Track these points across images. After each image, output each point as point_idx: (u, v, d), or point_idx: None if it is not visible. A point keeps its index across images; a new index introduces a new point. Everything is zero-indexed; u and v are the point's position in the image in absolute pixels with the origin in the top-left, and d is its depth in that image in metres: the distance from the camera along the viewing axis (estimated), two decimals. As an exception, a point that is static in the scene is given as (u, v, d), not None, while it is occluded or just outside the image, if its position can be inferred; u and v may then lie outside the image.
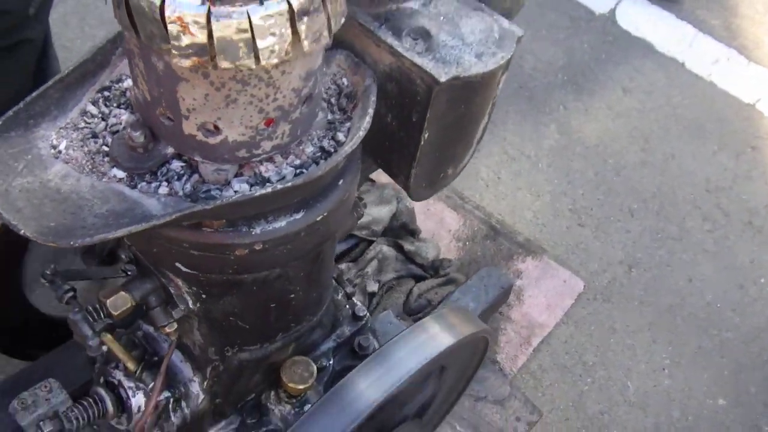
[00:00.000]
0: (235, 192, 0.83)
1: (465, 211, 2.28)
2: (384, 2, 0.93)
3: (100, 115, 0.88)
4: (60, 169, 0.82)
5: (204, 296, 0.99)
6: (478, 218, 2.26)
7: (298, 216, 0.88)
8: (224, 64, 0.69)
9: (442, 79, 0.87)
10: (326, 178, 0.87)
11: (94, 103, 0.89)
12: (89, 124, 0.87)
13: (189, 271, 0.91)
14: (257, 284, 0.97)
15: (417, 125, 0.94)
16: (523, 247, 2.21)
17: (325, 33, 0.73)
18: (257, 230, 0.86)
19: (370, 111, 0.88)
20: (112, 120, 0.87)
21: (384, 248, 1.88)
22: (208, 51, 0.68)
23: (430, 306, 1.78)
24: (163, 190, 0.82)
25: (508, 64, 0.97)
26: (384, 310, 1.77)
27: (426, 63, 0.88)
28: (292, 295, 1.05)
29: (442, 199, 2.31)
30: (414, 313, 1.79)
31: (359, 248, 1.87)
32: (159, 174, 0.84)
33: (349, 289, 1.38)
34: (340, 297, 1.37)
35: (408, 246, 1.94)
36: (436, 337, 1.19)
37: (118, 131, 0.86)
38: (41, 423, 1.09)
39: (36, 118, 0.84)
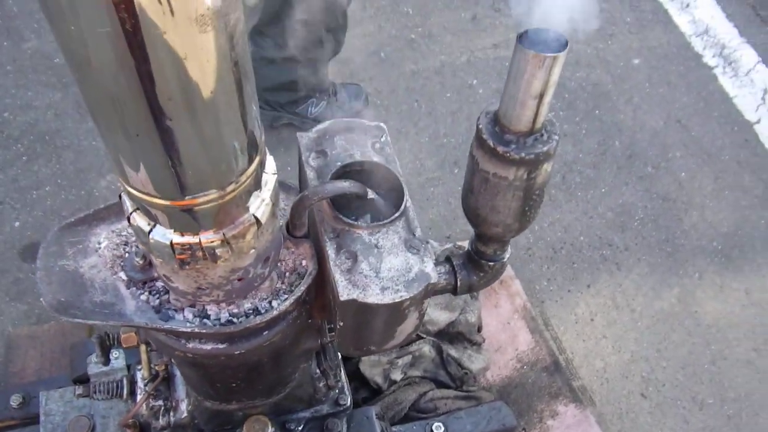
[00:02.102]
0: (184, 318, 1.23)
1: (541, 337, 2.45)
2: (341, 223, 1.24)
3: (139, 229, 1.32)
4: (93, 261, 1.27)
5: (170, 359, 1.41)
6: (548, 349, 2.43)
7: (221, 346, 1.25)
8: (159, 259, 1.08)
9: (342, 298, 1.18)
10: (244, 331, 1.23)
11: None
12: (128, 235, 1.31)
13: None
14: (199, 370, 1.37)
15: (335, 312, 1.26)
16: (573, 392, 2.35)
17: (234, 258, 1.09)
18: (189, 345, 1.25)
19: (287, 303, 1.22)
20: (143, 235, 1.31)
21: (425, 348, 2.17)
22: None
23: (434, 412, 2.05)
24: (143, 297, 1.24)
25: (422, 296, 1.24)
26: (395, 400, 2.08)
27: (339, 280, 1.20)
28: (234, 384, 1.43)
29: (526, 318, 2.50)
30: (419, 412, 2.07)
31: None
32: (146, 285, 1.26)
33: (331, 382, 1.72)
34: (321, 385, 1.72)
35: (453, 352, 2.21)
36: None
37: (139, 246, 1.30)
38: (77, 386, 1.61)
39: (98, 221, 1.31)
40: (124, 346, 1.45)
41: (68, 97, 2.78)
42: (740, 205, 2.86)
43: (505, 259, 1.52)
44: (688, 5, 3.43)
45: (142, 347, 1.58)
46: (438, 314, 2.22)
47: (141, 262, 1.24)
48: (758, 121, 3.08)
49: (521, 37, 1.15)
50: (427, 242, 1.42)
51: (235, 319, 1.23)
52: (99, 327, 1.67)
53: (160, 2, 0.67)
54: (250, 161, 1.01)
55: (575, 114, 3.01)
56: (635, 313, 2.57)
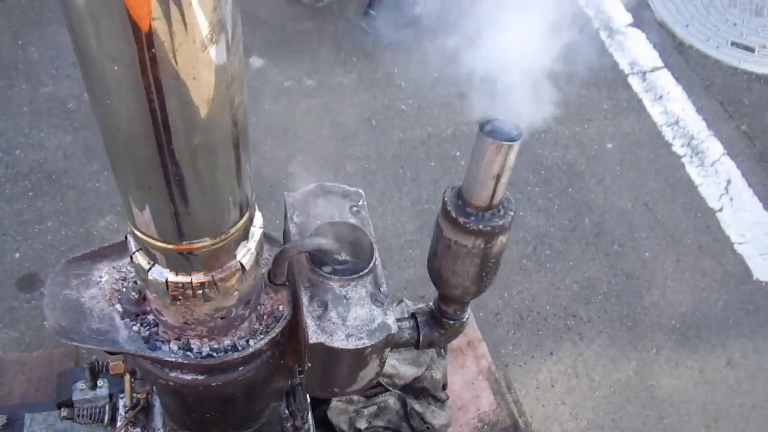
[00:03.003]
0: (169, 349, 1.38)
1: (503, 399, 2.59)
2: (316, 275, 1.41)
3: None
4: (94, 292, 1.43)
5: (153, 387, 1.56)
6: (509, 411, 2.57)
7: (200, 377, 1.40)
8: (153, 294, 1.24)
9: (311, 341, 1.34)
10: (222, 364, 1.38)
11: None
12: (127, 271, 1.47)
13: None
14: (178, 399, 1.51)
15: (305, 354, 1.41)
16: (529, 453, 2.48)
17: (219, 298, 1.25)
18: (172, 374, 1.40)
19: (262, 342, 1.37)
20: (140, 273, 1.47)
21: (390, 400, 2.30)
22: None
23: (393, 461, 2.18)
24: (135, 328, 1.40)
25: (383, 345, 1.40)
26: (356, 446, 2.21)
27: (310, 324, 1.35)
28: (209, 415, 1.57)
29: (491, 380, 2.64)
30: (380, 459, 2.20)
31: (376, 390, 2.31)
32: (139, 318, 1.41)
33: (298, 423, 1.86)
34: (288, 425, 1.86)
35: (417, 407, 2.34)
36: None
37: (136, 282, 1.46)
38: (62, 409, 1.75)
39: (102, 258, 1.47)
40: (112, 373, 1.60)
41: (78, 141, 2.97)
42: (699, 287, 3.04)
43: (464, 319, 1.68)
44: (661, 97, 3.68)
45: (127, 377, 1.73)
46: (405, 369, 2.36)
47: (136, 296, 1.40)
48: (720, 210, 3.29)
49: (483, 126, 1.35)
50: (402, 301, 1.59)
51: (215, 354, 1.38)
52: (89, 356, 1.81)
53: (182, 89, 0.85)
54: (241, 216, 1.18)
55: (550, 190, 3.21)
56: (594, 383, 2.72)
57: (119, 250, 1.48)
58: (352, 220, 1.50)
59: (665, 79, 3.80)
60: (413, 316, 1.70)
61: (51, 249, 2.66)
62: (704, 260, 3.13)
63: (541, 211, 3.13)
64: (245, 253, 1.24)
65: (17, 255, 2.63)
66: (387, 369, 2.33)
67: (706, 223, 3.24)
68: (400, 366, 2.36)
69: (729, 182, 3.41)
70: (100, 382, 1.97)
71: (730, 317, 2.97)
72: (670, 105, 3.67)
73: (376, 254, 1.47)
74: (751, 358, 2.86)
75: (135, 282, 1.45)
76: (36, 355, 2.29)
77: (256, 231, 1.27)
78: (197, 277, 1.20)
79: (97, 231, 2.72)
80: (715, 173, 3.43)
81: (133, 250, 1.21)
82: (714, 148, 3.53)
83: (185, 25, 0.77)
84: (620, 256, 3.07)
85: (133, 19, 0.75)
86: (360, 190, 1.58)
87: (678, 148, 3.50)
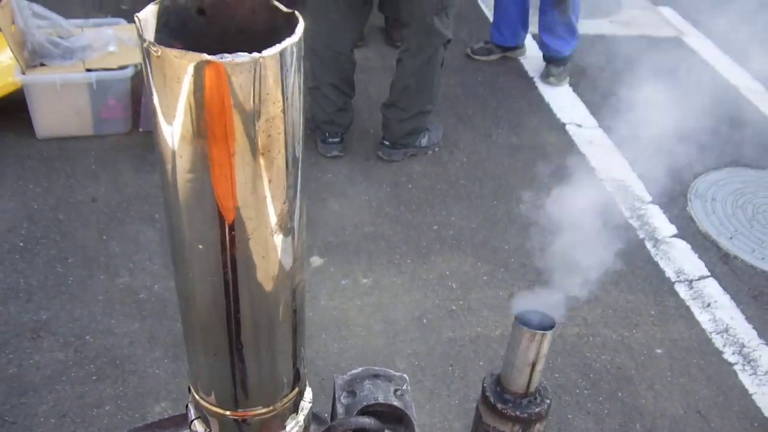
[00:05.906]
0: None
1: None
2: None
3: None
4: (151, 461, 1.52)
5: None
6: None
7: None
8: None
9: None
10: None
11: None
12: (184, 441, 1.56)
13: None
14: None
15: None
16: None
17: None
18: None
19: None
20: (195, 445, 1.56)
21: None
22: None
23: None
24: (189, 484, 1.47)
25: None
26: None
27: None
28: None
29: None
30: None
31: None
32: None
33: None
34: None
35: None
36: None
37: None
38: None
39: (161, 428, 1.57)
40: None
41: (144, 328, 3.17)
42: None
43: None
44: (709, 305, 3.73)
45: None
46: None
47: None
48: (778, 421, 3.20)
49: (518, 317, 1.47)
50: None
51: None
52: None
53: (253, 266, 1.02)
54: (292, 389, 1.30)
55: (599, 394, 3.21)
56: None
57: (177, 422, 1.59)
58: (396, 403, 1.59)
59: (712, 288, 3.87)
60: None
61: (107, 432, 2.75)
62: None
63: (591, 415, 3.11)
64: (294, 425, 1.33)
65: (74, 436, 2.73)
66: None
67: (764, 434, 3.15)
68: None
69: (786, 393, 3.34)
70: None
71: None
72: (719, 313, 3.71)
73: (418, 436, 1.53)
74: None
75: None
76: None
77: (306, 405, 1.38)
78: (248, 446, 1.29)
79: (151, 416, 2.82)
80: (770, 383, 3.38)
81: (192, 418, 1.33)
82: (766, 357, 3.50)
83: (261, 214, 0.95)
84: (674, 465, 2.98)
85: (220, 210, 0.93)
86: (405, 375, 1.68)
87: (729, 355, 3.49)
